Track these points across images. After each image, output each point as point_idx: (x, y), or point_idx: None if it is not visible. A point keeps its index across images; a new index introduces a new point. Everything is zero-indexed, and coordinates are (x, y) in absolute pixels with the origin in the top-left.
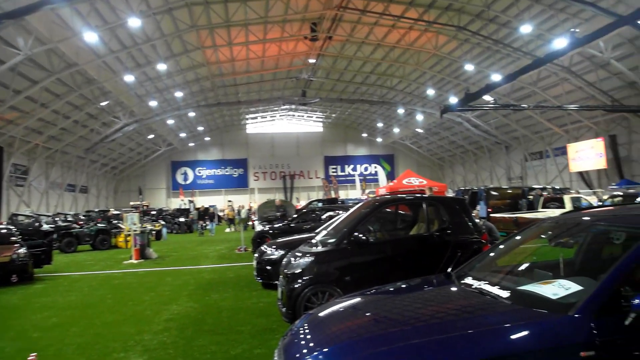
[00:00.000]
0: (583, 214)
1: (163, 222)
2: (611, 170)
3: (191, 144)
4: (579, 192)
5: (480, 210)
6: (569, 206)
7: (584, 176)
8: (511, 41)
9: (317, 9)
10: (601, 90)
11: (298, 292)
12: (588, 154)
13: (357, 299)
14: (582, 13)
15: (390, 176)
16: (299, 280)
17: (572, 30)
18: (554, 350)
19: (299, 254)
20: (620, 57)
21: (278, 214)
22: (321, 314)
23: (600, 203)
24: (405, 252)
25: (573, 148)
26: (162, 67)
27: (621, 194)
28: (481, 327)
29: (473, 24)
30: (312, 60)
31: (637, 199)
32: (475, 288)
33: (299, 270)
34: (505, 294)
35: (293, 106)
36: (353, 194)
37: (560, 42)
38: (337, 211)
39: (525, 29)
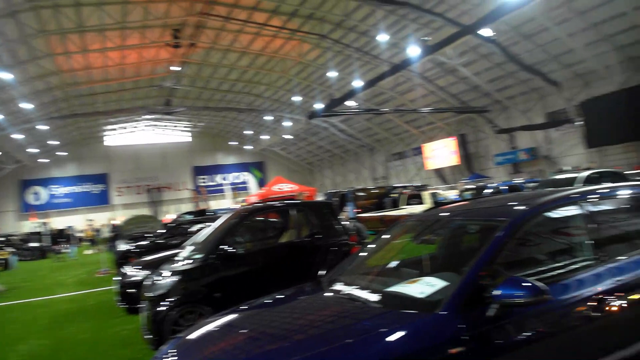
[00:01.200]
0: (442, 210)
1: (11, 249)
2: (462, 166)
3: (44, 160)
4: (436, 188)
5: (348, 211)
6: (428, 201)
7: (439, 173)
8: (370, 49)
9: (179, 15)
10: (450, 94)
11: (163, 315)
12: (442, 152)
13: (230, 317)
14: (432, 23)
15: (262, 183)
16: (164, 302)
17: (423, 39)
18: (427, 351)
19: (164, 273)
20: (466, 64)
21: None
22: (190, 337)
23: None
24: (277, 261)
25: (428, 147)
26: (6, 76)
27: (473, 186)
28: (356, 336)
29: (335, 32)
30: (175, 68)
31: (485, 191)
32: (346, 294)
33: (164, 291)
34: (375, 297)
35: (157, 116)
36: (224, 203)
37: (413, 50)
38: (207, 223)
39: (382, 37)
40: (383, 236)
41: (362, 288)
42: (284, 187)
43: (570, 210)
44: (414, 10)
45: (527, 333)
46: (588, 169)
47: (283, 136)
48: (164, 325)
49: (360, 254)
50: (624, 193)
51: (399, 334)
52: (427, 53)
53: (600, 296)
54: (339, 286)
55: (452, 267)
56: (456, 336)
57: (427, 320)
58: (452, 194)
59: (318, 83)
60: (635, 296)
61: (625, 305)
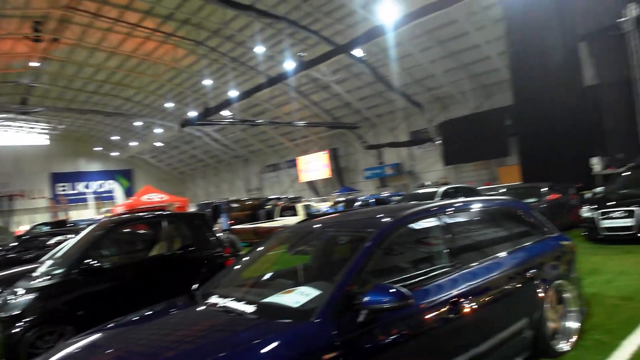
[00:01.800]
0: (315, 222)
1: None
2: (334, 179)
3: None
4: (309, 200)
5: (222, 223)
6: (301, 213)
7: (312, 185)
8: (247, 60)
9: (41, 7)
10: (324, 109)
11: (18, 338)
12: (315, 165)
13: (94, 336)
14: (308, 40)
15: (129, 193)
16: (19, 323)
17: (299, 54)
18: (302, 358)
19: (18, 291)
20: (339, 81)
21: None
22: None
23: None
24: (147, 275)
25: (302, 160)
26: None
27: (344, 199)
28: (230, 349)
29: (211, 39)
30: (34, 64)
31: (355, 204)
32: (221, 306)
33: (18, 311)
34: (250, 308)
35: (11, 115)
36: (87, 214)
37: (289, 64)
38: (67, 235)
39: (259, 49)
40: (258, 248)
41: (238, 300)
42: (154, 197)
43: (430, 222)
44: (291, 25)
45: (394, 335)
46: (445, 184)
47: (154, 143)
48: (18, 349)
49: (235, 266)
50: (476, 206)
51: (275, 344)
52: (303, 68)
53: (456, 299)
54: (213, 299)
55: (325, 276)
56: (329, 342)
57: (301, 329)
58: (324, 206)
59: (192, 90)
60: (486, 297)
61: (477, 306)
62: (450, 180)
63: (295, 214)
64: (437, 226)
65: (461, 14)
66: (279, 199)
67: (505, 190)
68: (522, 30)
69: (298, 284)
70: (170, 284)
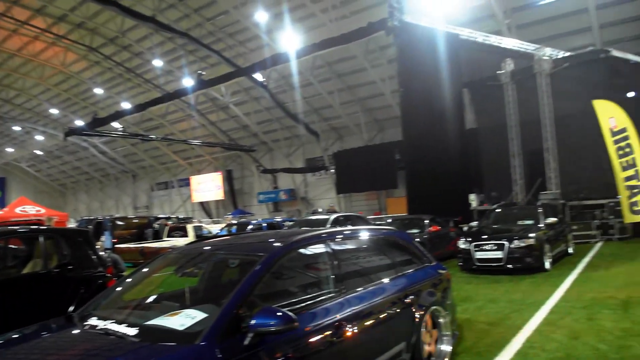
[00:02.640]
0: (205, 244)
1: None
2: (227, 201)
3: None
4: (200, 221)
5: (105, 241)
6: (191, 234)
7: (204, 206)
8: (143, 72)
9: None
10: (221, 130)
11: None
12: (209, 186)
13: None
14: (209, 58)
15: (1, 203)
16: None
17: (199, 72)
18: None
19: None
20: (237, 103)
21: None
22: None
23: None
24: (19, 295)
25: (196, 180)
26: None
27: (236, 222)
28: None
29: (106, 47)
30: None
31: (248, 227)
32: (101, 329)
33: None
34: (132, 331)
35: None
36: None
37: (188, 81)
38: None
39: (157, 62)
40: (144, 269)
41: (119, 322)
42: (29, 209)
43: (319, 248)
44: (193, 42)
45: (279, 358)
46: (331, 211)
47: (33, 151)
48: None
49: (118, 287)
50: (362, 235)
51: None
52: (201, 87)
53: (340, 323)
54: (92, 321)
55: (213, 299)
56: None
57: (185, 352)
58: (216, 228)
59: (81, 98)
60: (368, 321)
61: (360, 329)
62: (337, 208)
63: (184, 235)
64: (325, 252)
65: (360, 51)
66: (168, 218)
67: (391, 220)
68: (412, 73)
69: (185, 306)
70: (45, 305)
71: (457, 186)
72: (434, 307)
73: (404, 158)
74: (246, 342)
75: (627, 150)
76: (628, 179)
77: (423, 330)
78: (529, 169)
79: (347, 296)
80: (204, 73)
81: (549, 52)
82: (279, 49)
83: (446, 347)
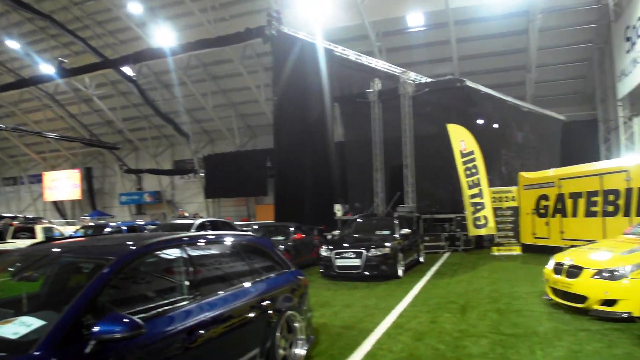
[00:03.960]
0: (52, 246)
1: None
2: (85, 201)
3: None
4: (52, 222)
5: None
6: (40, 236)
7: (58, 206)
8: None
9: None
10: (82, 124)
11: None
12: (64, 184)
13: None
14: (73, 45)
15: None
16: None
17: (60, 59)
18: None
19: None
20: (102, 96)
21: None
22: None
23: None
24: None
25: (49, 177)
26: None
27: (93, 224)
28: None
29: None
30: None
31: (105, 230)
32: None
33: None
34: None
35: None
36: None
37: (47, 68)
38: None
39: (13, 44)
40: None
41: None
42: None
43: (175, 253)
44: (56, 26)
45: None
46: (200, 216)
47: None
48: None
49: None
50: (222, 241)
51: None
52: (62, 75)
53: (194, 328)
54: None
55: (54, 305)
56: None
57: None
58: (69, 230)
59: None
60: (223, 327)
61: (214, 335)
62: (200, 214)
63: (33, 237)
64: (181, 257)
65: (236, 56)
66: (14, 217)
67: (258, 227)
68: (286, 83)
69: (20, 313)
70: None
71: (324, 196)
72: (290, 312)
73: (274, 166)
74: (88, 350)
75: (474, 170)
76: (473, 196)
77: (278, 334)
78: (390, 183)
79: (202, 302)
80: (65, 61)
81: (413, 76)
82: (152, 44)
83: (300, 351)
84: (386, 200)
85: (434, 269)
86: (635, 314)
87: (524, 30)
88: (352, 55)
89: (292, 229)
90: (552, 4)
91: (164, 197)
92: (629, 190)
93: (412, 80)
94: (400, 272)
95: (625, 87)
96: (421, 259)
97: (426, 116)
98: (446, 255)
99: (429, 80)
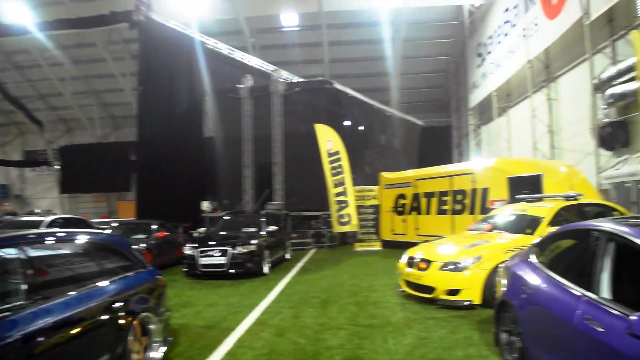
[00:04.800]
0: None
1: None
2: None
3: None
4: None
5: None
6: None
7: None
8: None
9: None
10: None
11: None
12: None
13: None
14: None
15: None
16: None
17: None
18: None
19: None
20: None
21: None
22: None
23: None
24: None
25: None
26: None
27: None
28: None
29: None
30: None
31: None
32: None
33: None
34: None
35: None
36: None
37: None
38: None
39: None
40: None
41: None
42: None
43: (10, 253)
44: None
45: None
46: (54, 213)
47: None
48: None
49: None
50: (71, 239)
51: None
52: None
53: (31, 335)
54: None
55: None
56: None
57: None
58: None
59: None
60: (67, 332)
61: (57, 341)
62: (54, 211)
63: None
64: (19, 258)
65: (101, 40)
66: None
67: (117, 225)
68: (153, 72)
69: None
70: None
71: (191, 192)
72: (145, 314)
73: (137, 159)
74: None
75: (339, 170)
76: (338, 194)
77: (131, 338)
78: (259, 180)
79: (43, 306)
80: None
81: (285, 75)
82: (3, 20)
83: (156, 354)
84: (255, 198)
85: (299, 265)
86: (475, 302)
87: (390, 39)
88: (224, 49)
89: (154, 226)
90: (416, 17)
91: (12, 192)
92: (474, 191)
93: (283, 79)
94: (266, 269)
95: (475, 98)
96: (288, 256)
97: (296, 115)
98: (312, 251)
99: (300, 80)
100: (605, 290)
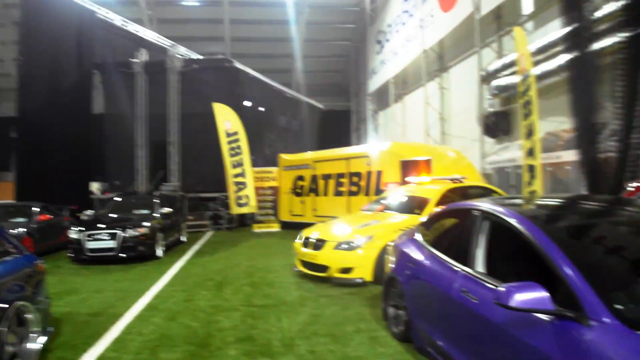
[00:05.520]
0: None
1: None
2: None
3: None
4: None
5: None
6: None
7: None
8: None
9: None
10: None
11: None
12: None
13: None
14: None
15: None
16: None
17: None
18: None
19: None
20: None
21: None
22: None
23: None
24: None
25: None
26: None
27: None
28: None
29: None
30: None
31: None
32: None
33: None
34: None
35: None
36: None
37: None
38: None
39: None
40: None
41: None
42: None
43: None
44: None
45: None
46: None
47: None
48: None
49: None
50: None
51: None
52: None
53: None
54: None
55: None
56: None
57: None
58: None
59: None
60: None
61: None
62: None
63: None
64: None
65: None
66: None
67: None
68: (36, 42)
69: None
70: None
71: (78, 173)
72: (21, 303)
73: (18, 137)
74: None
75: (238, 151)
76: (236, 175)
77: (4, 329)
78: (154, 160)
79: None
80: None
81: (183, 51)
82: None
83: (35, 345)
84: (149, 179)
85: (195, 247)
86: (367, 279)
87: (293, 21)
88: (118, 20)
89: (36, 209)
90: (319, 0)
91: None
92: (369, 173)
93: (181, 55)
94: (159, 253)
95: (374, 84)
96: (183, 239)
97: (194, 93)
98: (210, 234)
99: (199, 57)
100: (480, 265)
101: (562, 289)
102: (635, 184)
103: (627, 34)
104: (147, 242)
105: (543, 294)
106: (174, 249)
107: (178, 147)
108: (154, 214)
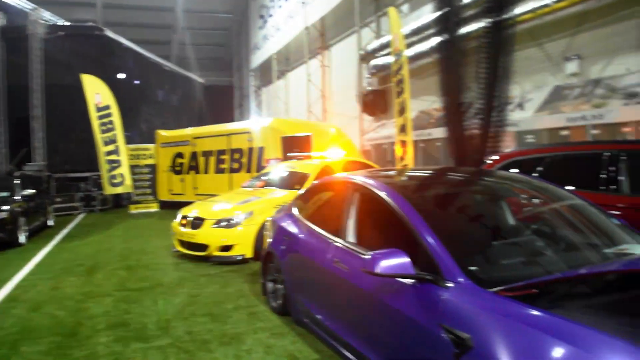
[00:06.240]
0: None
1: None
2: None
3: None
4: None
5: None
6: None
7: None
8: None
9: None
10: None
11: None
12: None
13: None
14: None
15: None
16: None
17: None
18: None
19: None
20: None
21: None
22: None
23: None
24: None
25: None
26: None
27: None
28: None
29: None
30: None
31: None
32: None
33: None
34: None
35: None
36: None
37: None
38: None
39: None
40: None
41: None
42: None
43: None
44: None
45: None
46: None
47: None
48: None
49: None
50: None
51: None
52: None
53: None
54: None
55: None
56: None
57: None
58: None
59: None
60: None
61: None
62: None
63: None
64: None
65: None
66: None
67: None
68: None
69: None
70: None
71: None
72: None
73: None
74: None
75: (110, 126)
76: (109, 153)
77: None
78: (15, 137)
79: None
80: None
81: (47, 17)
82: None
83: None
84: (9, 158)
85: (64, 231)
86: (248, 256)
87: None
88: None
89: None
90: None
91: None
92: (250, 150)
93: (45, 21)
94: (22, 239)
95: (257, 60)
96: (50, 223)
97: (60, 63)
98: (81, 216)
99: (66, 24)
100: (351, 236)
101: (423, 255)
102: (494, 157)
103: (490, 20)
104: (7, 228)
105: (405, 259)
106: (40, 234)
107: (42, 123)
108: (15, 197)
